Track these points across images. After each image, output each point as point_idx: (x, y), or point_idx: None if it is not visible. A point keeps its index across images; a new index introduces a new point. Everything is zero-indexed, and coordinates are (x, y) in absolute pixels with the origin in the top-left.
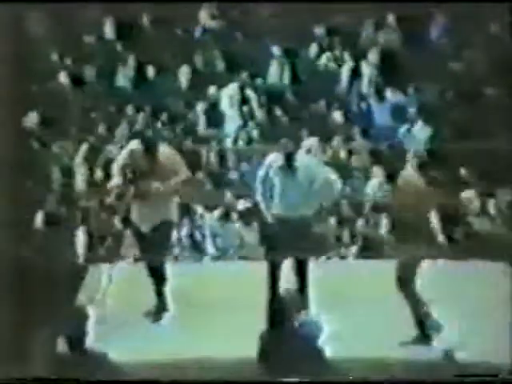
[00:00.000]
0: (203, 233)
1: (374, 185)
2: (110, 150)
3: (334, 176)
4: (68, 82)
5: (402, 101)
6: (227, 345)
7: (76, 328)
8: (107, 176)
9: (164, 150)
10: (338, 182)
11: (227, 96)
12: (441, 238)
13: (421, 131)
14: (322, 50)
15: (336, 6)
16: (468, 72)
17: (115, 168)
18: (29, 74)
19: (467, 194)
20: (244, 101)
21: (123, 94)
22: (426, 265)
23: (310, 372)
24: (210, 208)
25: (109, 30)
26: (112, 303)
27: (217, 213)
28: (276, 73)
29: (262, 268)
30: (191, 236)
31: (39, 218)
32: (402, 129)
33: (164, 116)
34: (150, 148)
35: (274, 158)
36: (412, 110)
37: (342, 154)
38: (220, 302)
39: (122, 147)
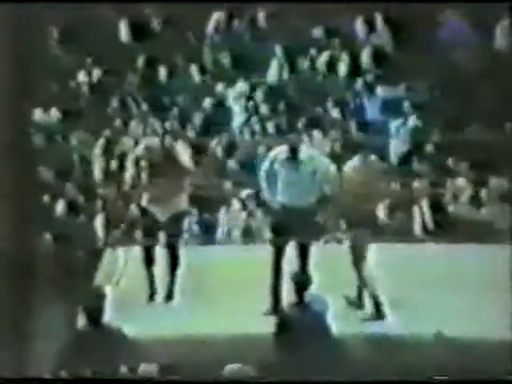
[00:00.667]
0: (212, 220)
1: None
2: (124, 143)
3: (333, 167)
4: (87, 80)
5: (394, 96)
6: (234, 323)
7: (94, 306)
8: (122, 167)
9: (175, 145)
10: (337, 173)
11: (234, 93)
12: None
13: (412, 125)
14: (320, 50)
15: (334, 6)
16: (459, 68)
17: (131, 160)
18: (49, 73)
19: (458, 183)
20: (249, 97)
21: (135, 91)
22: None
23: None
24: (218, 197)
25: (123, 32)
26: (127, 283)
27: (225, 201)
28: (276, 72)
29: (267, 252)
30: (201, 223)
31: (60, 206)
32: (395, 123)
33: (175, 112)
34: (163, 142)
35: (279, 151)
36: (405, 105)
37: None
38: (227, 284)
39: (136, 141)
